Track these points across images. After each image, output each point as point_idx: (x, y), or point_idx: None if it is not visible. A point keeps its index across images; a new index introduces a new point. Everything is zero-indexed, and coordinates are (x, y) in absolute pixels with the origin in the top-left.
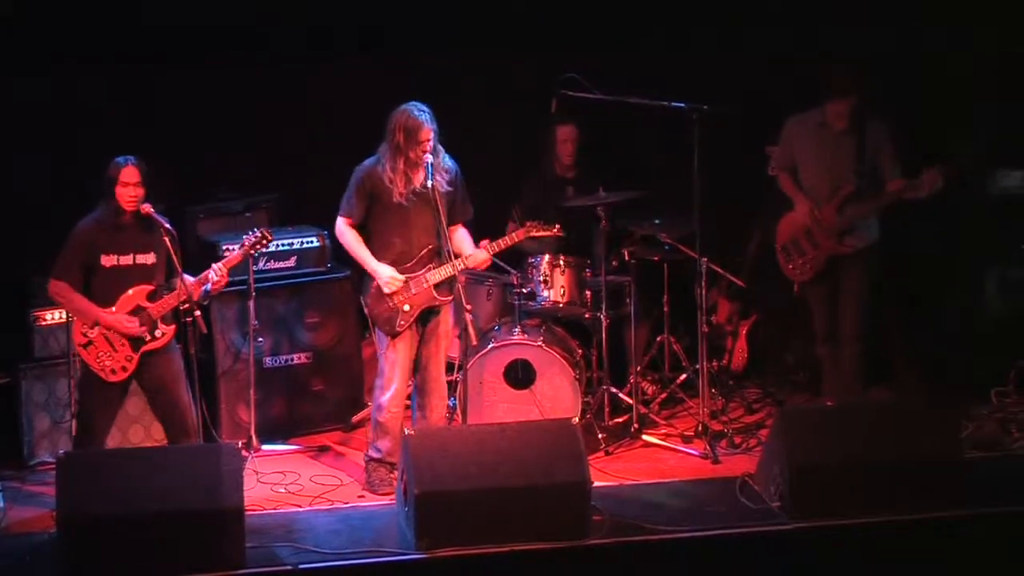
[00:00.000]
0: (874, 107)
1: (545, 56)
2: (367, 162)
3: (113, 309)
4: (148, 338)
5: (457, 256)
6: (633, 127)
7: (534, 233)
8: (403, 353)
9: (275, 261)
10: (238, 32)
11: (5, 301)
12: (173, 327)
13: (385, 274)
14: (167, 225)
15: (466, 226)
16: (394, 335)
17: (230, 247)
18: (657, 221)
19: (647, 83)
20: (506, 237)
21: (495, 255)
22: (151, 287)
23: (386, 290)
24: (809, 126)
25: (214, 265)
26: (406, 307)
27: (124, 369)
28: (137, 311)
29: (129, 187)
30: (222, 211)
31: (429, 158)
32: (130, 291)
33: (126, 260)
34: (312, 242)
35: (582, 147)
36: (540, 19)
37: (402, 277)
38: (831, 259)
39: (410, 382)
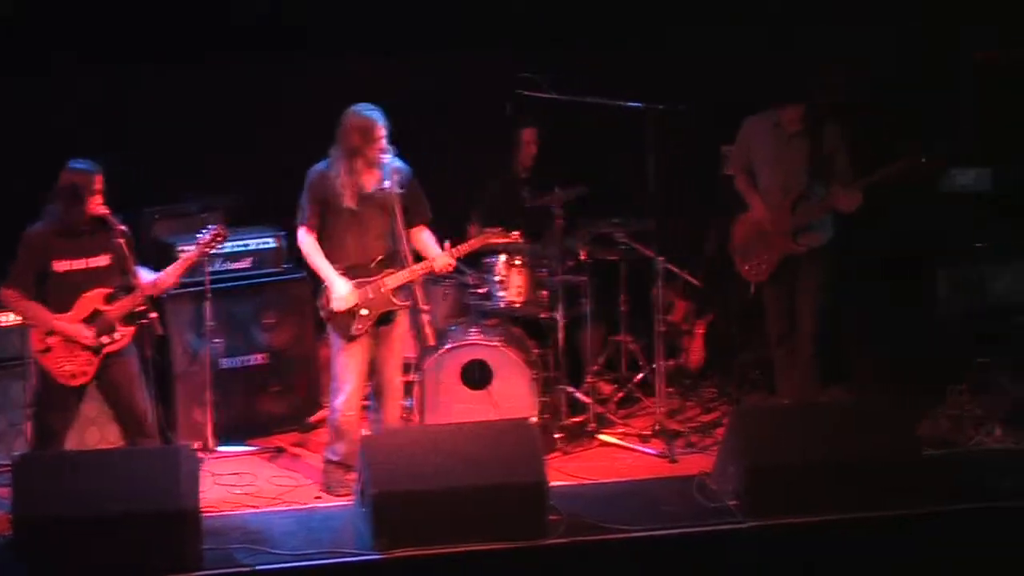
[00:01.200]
0: (829, 109)
1: (506, 56)
2: (318, 166)
3: (70, 313)
4: (107, 340)
5: (421, 259)
6: (590, 126)
7: (492, 240)
8: (357, 356)
9: (231, 262)
10: (203, 33)
11: None
12: (132, 329)
13: (340, 291)
14: (121, 226)
15: (427, 226)
16: (350, 339)
17: (186, 248)
18: (614, 220)
19: (606, 82)
20: (467, 243)
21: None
22: (108, 290)
23: (335, 307)
24: (764, 127)
25: (165, 271)
26: (363, 311)
27: (85, 373)
28: (95, 315)
29: (98, 193)
30: (178, 212)
31: (387, 158)
32: (87, 295)
33: (79, 264)
34: (268, 243)
35: (540, 147)
36: (502, 20)
37: (355, 297)
38: (785, 259)
39: (366, 384)
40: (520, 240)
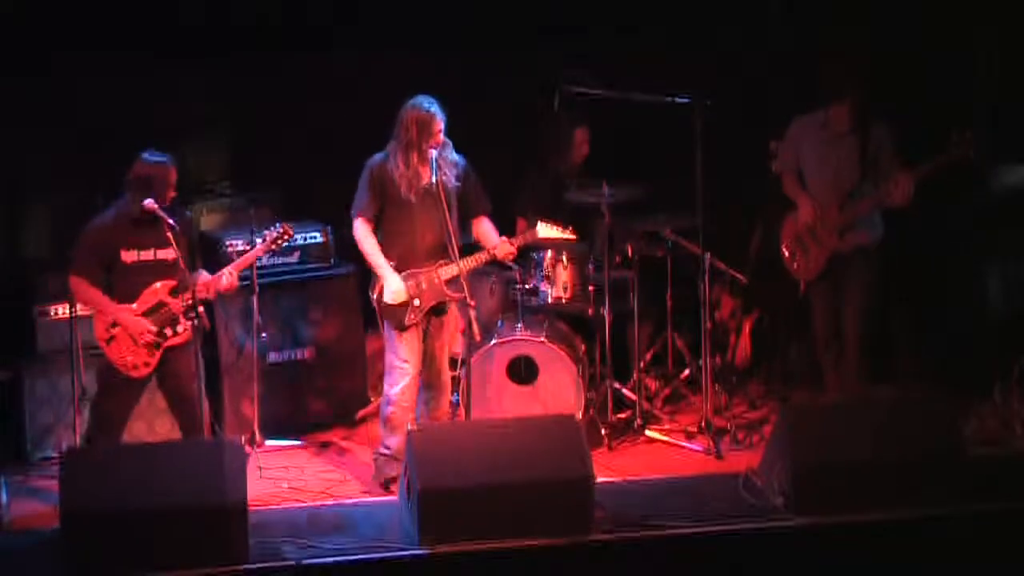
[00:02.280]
0: (875, 108)
1: (545, 53)
2: (377, 157)
3: (135, 305)
4: (170, 333)
5: (479, 249)
6: (636, 122)
7: (549, 234)
8: (413, 347)
9: (279, 256)
10: (241, 30)
11: (8, 296)
12: (193, 322)
13: (393, 286)
14: (170, 221)
15: (488, 217)
16: (402, 328)
17: (234, 243)
18: (661, 216)
19: (647, 79)
20: (525, 234)
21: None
22: (173, 282)
23: (387, 300)
24: (812, 128)
25: (226, 269)
26: (416, 301)
27: (147, 364)
28: (159, 306)
29: (172, 186)
30: (225, 207)
31: (433, 153)
32: (156, 286)
33: (147, 255)
34: (316, 238)
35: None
36: (540, 15)
37: (406, 293)
38: (834, 257)
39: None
40: (573, 237)
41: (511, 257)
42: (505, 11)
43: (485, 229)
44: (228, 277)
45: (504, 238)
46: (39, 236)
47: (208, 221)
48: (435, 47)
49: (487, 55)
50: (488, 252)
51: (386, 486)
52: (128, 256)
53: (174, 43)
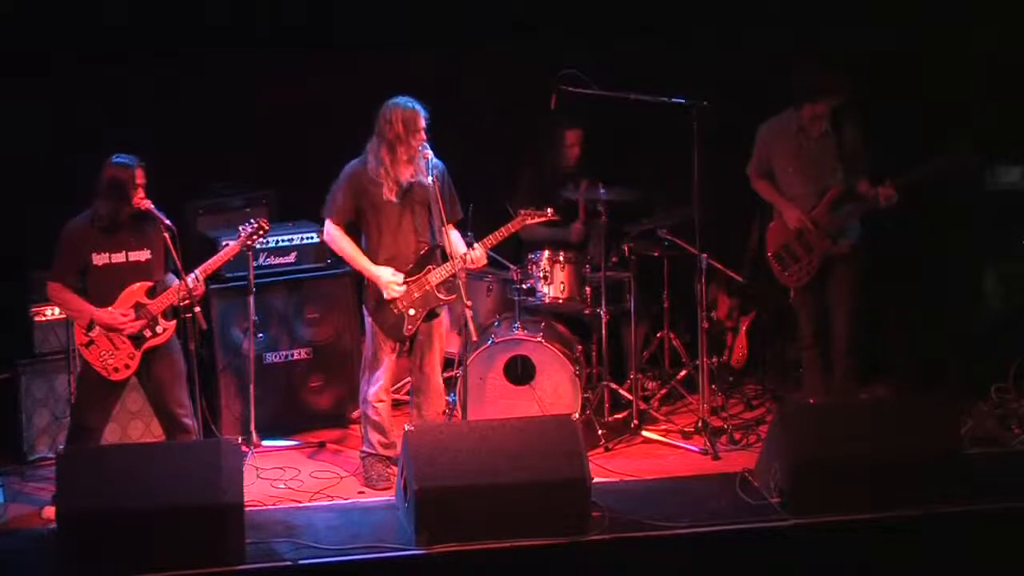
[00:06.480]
0: (849, 105)
1: (543, 53)
2: (354, 162)
3: (111, 307)
4: (149, 334)
5: (453, 256)
6: (633, 122)
7: (529, 221)
8: (391, 347)
9: (275, 257)
10: (237, 29)
11: (4, 297)
12: (174, 323)
13: (385, 278)
14: (166, 221)
15: (456, 226)
16: (402, 340)
17: (230, 242)
18: (658, 216)
19: (647, 80)
20: (500, 229)
21: (492, 248)
22: (150, 284)
23: (387, 296)
24: (785, 133)
25: (194, 271)
26: (411, 311)
27: (127, 367)
28: (137, 308)
29: (140, 188)
30: (222, 207)
31: (429, 154)
32: (132, 287)
33: (119, 258)
34: (312, 238)
35: (584, 143)
36: (538, 16)
37: (401, 278)
38: (825, 260)
39: (405, 377)
40: (556, 217)
41: (482, 264)
42: (504, 10)
43: (454, 238)
44: (194, 280)
45: (477, 244)
46: (36, 236)
47: (205, 222)
48: (434, 47)
49: (485, 54)
50: (460, 259)
51: (376, 485)
52: (99, 259)
53: (172, 42)
